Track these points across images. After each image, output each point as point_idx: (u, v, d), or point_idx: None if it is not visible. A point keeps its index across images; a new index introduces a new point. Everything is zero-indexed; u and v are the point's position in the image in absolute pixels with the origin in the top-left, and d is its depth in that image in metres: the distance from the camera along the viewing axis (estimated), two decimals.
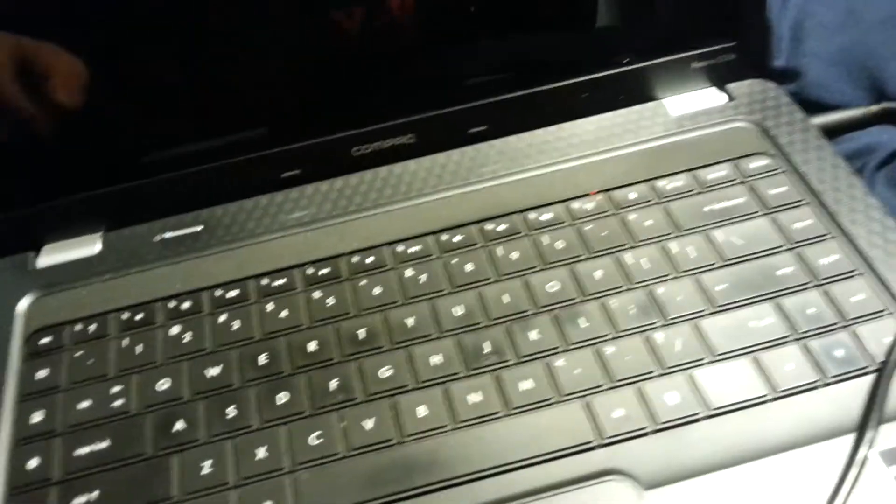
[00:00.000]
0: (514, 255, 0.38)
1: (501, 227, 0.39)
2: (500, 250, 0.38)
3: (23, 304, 0.39)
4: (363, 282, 0.38)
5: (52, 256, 0.41)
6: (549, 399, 0.33)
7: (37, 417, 0.35)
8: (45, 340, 0.37)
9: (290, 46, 0.41)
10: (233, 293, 0.38)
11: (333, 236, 0.40)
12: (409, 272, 0.38)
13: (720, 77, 0.46)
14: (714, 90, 0.46)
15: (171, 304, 0.38)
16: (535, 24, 0.44)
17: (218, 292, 0.38)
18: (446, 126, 0.44)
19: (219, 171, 0.42)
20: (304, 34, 0.41)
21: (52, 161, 0.40)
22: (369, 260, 0.39)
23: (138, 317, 0.38)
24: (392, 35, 0.42)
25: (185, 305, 0.38)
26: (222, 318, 0.37)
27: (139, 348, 0.37)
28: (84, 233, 0.42)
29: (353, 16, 0.41)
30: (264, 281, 0.39)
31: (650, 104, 0.45)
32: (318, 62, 0.42)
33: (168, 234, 0.41)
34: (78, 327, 0.38)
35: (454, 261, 0.38)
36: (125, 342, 0.37)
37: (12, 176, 0.40)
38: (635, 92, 0.46)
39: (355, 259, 0.39)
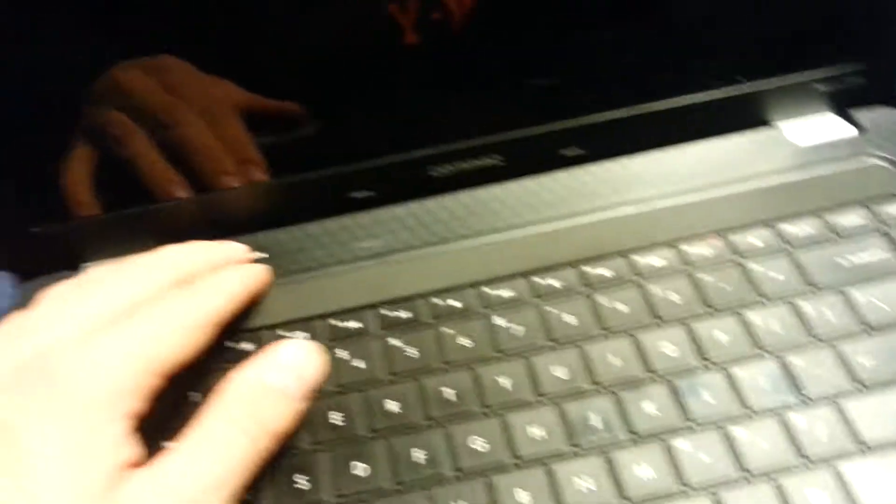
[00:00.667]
0: (621, 307, 0.33)
1: (604, 272, 0.34)
2: (603, 299, 0.33)
3: None
4: (446, 329, 0.33)
5: None
6: (672, 492, 0.28)
7: None
8: None
9: (358, 48, 0.36)
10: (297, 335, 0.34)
11: (410, 272, 0.36)
12: (498, 320, 0.33)
13: (845, 102, 0.40)
14: (836, 118, 0.40)
15: (227, 343, 0.34)
16: (639, 34, 0.39)
17: (279, 332, 0.34)
18: (538, 147, 0.39)
19: (281, 188, 0.38)
20: (375, 35, 0.36)
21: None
22: (453, 303, 0.34)
23: None
24: (477, 42, 0.37)
25: (243, 346, 0.34)
26: None
27: None
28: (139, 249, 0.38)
29: (431, 18, 0.36)
30: (332, 321, 0.34)
31: (766, 130, 0.40)
32: (392, 69, 0.37)
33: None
34: None
35: (551, 309, 0.33)
36: None
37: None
38: (749, 115, 0.40)
39: (436, 301, 0.34)
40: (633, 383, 0.31)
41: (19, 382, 0.26)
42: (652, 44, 0.38)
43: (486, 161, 0.38)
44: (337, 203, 0.38)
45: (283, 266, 0.36)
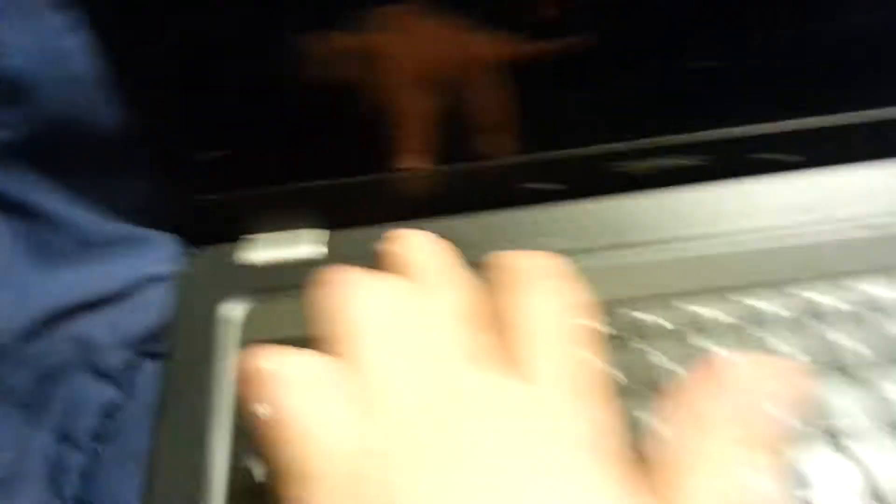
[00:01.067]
0: (848, 341, 0.29)
1: (833, 300, 0.31)
2: (831, 333, 0.30)
3: (237, 310, 0.34)
4: (643, 345, 0.30)
5: (265, 251, 0.35)
6: None
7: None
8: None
9: (548, 25, 0.33)
10: None
11: (599, 277, 0.33)
12: (701, 341, 0.30)
13: None
14: None
15: None
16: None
17: None
18: (745, 149, 0.35)
19: (466, 173, 0.35)
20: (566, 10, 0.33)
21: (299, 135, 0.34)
22: (648, 316, 0.31)
23: None
24: (682, 27, 0.33)
25: None
26: None
27: None
28: (303, 226, 0.36)
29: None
30: None
31: None
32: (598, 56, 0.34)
33: None
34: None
35: (769, 338, 0.30)
36: None
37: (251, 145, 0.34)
38: None
39: (634, 312, 0.31)
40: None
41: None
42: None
43: (687, 160, 0.35)
44: (523, 194, 0.35)
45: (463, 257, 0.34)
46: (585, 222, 0.34)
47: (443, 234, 0.33)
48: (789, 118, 0.34)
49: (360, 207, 0.36)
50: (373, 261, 0.34)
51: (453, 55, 0.31)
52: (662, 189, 0.35)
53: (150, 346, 0.34)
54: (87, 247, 0.35)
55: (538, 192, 0.35)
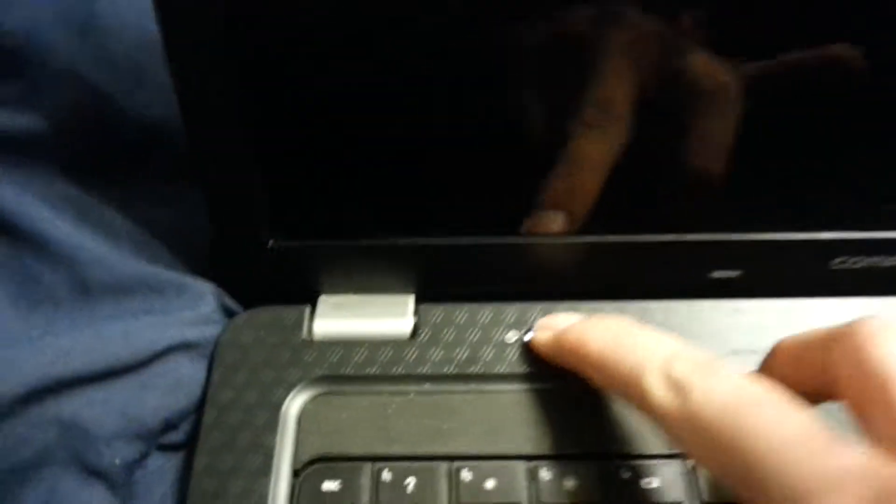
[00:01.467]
0: None
1: None
2: None
3: (294, 405, 0.24)
4: None
5: (336, 320, 0.26)
6: None
7: None
8: (331, 487, 0.22)
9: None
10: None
11: None
12: None
13: None
14: None
15: (544, 472, 0.22)
16: None
17: (618, 465, 0.23)
18: None
19: (602, 248, 0.26)
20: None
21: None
22: None
23: (489, 484, 0.22)
24: None
25: (570, 484, 0.22)
26: None
27: None
28: (384, 289, 0.27)
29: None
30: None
31: None
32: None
33: (510, 336, 0.26)
34: (388, 477, 0.22)
35: None
36: None
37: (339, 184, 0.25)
38: None
39: None
40: None
41: None
42: None
43: None
44: (691, 281, 0.27)
45: None
46: (761, 322, 0.26)
47: None
48: None
49: (467, 276, 0.26)
50: (466, 347, 0.25)
51: (671, 77, 0.23)
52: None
53: (165, 437, 0.24)
54: (92, 292, 0.25)
55: (714, 281, 0.26)
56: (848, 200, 0.26)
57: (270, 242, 0.25)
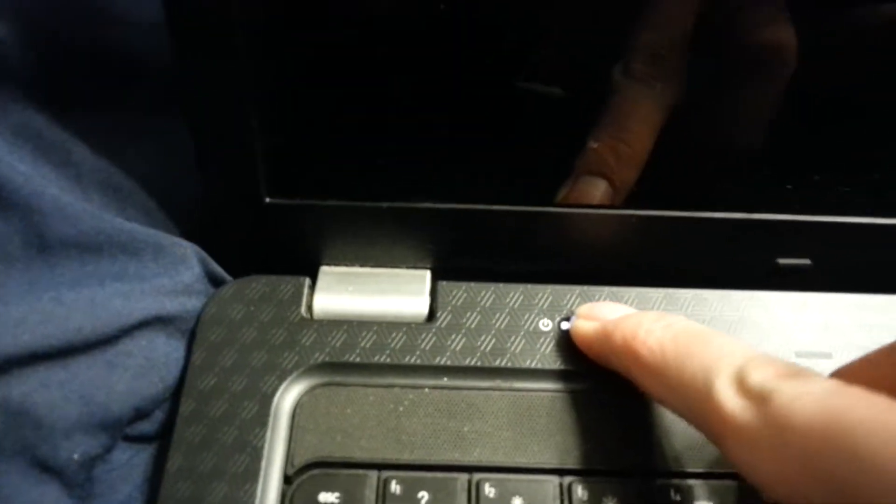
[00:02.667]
0: None
1: None
2: None
3: (288, 398, 0.20)
4: None
5: (340, 296, 0.22)
6: None
7: None
8: (329, 499, 0.19)
9: None
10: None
11: None
12: None
13: None
14: None
15: (579, 489, 0.19)
16: None
17: (665, 482, 0.19)
18: None
19: (649, 224, 0.22)
20: None
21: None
22: None
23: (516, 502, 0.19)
24: None
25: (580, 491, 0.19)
26: None
27: None
28: (396, 262, 0.23)
29: None
30: None
31: None
32: None
33: (544, 323, 0.22)
34: (397, 490, 0.19)
35: None
36: None
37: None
38: None
39: None
40: None
41: None
42: None
43: None
44: (755, 267, 0.23)
45: None
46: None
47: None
48: None
49: (493, 251, 0.23)
50: (491, 334, 0.21)
51: (728, 30, 0.19)
52: None
53: (134, 427, 0.21)
54: (51, 249, 0.21)
55: (783, 268, 0.23)
56: None
57: (267, 199, 0.21)
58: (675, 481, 0.19)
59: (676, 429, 0.20)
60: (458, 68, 0.20)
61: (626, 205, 0.22)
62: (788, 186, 0.22)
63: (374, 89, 0.20)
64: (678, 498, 0.19)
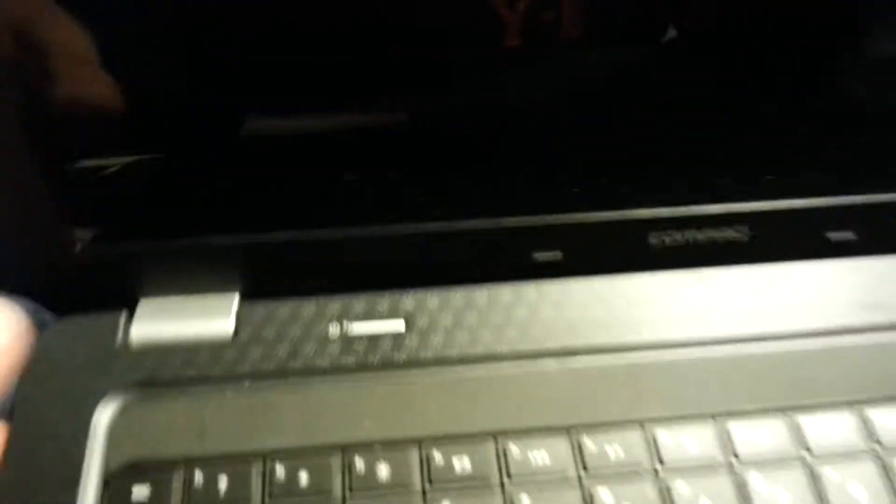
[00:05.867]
0: None
1: None
2: None
3: (104, 414, 0.23)
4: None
5: (154, 324, 0.25)
6: None
7: None
8: (142, 493, 0.22)
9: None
10: (460, 464, 0.23)
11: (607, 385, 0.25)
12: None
13: None
14: None
15: (358, 461, 0.22)
16: None
17: (429, 452, 0.23)
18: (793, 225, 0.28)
19: (442, 236, 0.26)
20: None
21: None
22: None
23: (303, 477, 0.22)
24: None
25: (384, 473, 0.22)
26: None
27: None
28: (207, 288, 0.26)
29: None
30: (514, 447, 0.23)
31: None
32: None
33: (356, 327, 0.25)
34: (200, 479, 0.22)
35: None
36: None
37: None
38: None
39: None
40: None
41: None
42: None
43: (729, 233, 0.27)
44: (514, 265, 0.27)
45: (433, 345, 0.25)
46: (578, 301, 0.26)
47: (405, 312, 0.25)
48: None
49: (289, 272, 0.26)
50: (287, 343, 0.25)
51: None
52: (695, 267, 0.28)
53: None
54: None
55: (537, 264, 0.27)
56: (662, 178, 0.28)
57: (78, 247, 0.24)
58: (442, 444, 0.23)
59: (457, 399, 0.24)
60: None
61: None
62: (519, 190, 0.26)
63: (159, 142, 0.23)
64: (443, 461, 0.23)
